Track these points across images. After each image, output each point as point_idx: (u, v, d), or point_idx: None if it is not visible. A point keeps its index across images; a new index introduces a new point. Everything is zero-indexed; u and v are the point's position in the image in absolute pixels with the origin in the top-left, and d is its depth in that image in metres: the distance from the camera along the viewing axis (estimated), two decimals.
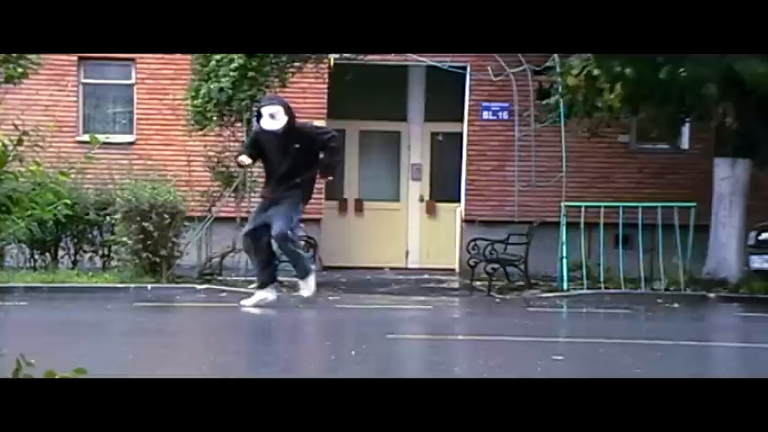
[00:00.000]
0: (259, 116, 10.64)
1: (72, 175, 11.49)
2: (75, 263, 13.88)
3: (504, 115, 16.47)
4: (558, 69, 13.60)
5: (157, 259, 12.42)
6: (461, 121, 16.77)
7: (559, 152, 14.12)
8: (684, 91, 12.70)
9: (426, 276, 15.44)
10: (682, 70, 12.17)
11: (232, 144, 13.45)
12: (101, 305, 10.94)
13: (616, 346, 8.31)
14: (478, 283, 13.63)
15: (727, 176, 14.06)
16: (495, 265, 13.43)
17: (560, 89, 13.73)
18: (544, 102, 14.40)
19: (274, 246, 10.59)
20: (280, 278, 13.24)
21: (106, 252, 13.92)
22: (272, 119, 10.40)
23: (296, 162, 10.36)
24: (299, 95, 16.04)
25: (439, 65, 14.88)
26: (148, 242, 12.36)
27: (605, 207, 13.75)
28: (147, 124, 16.60)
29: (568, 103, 13.65)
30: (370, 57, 14.20)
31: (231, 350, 7.67)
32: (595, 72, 12.74)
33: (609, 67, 12.58)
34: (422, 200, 17.54)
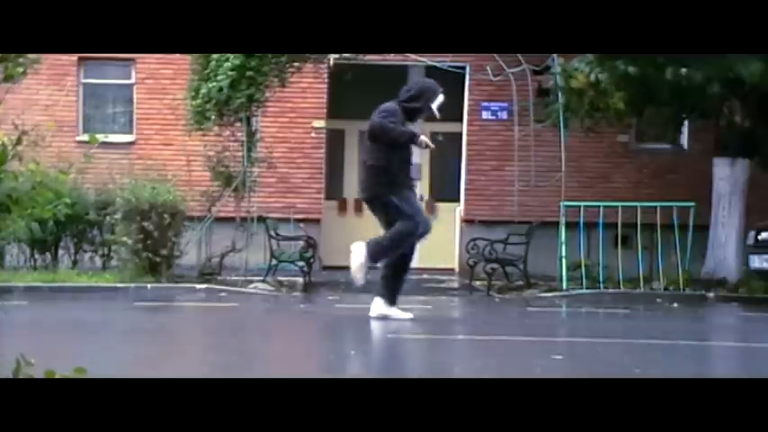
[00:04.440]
0: (431, 99, 9.47)
1: (72, 175, 11.51)
2: (75, 262, 13.89)
3: (504, 115, 16.49)
4: (557, 70, 13.59)
5: (157, 259, 12.43)
6: (461, 120, 16.77)
7: (559, 152, 14.12)
8: (688, 91, 12.71)
9: (426, 276, 15.43)
10: (684, 70, 12.17)
11: (232, 144, 13.46)
12: (101, 305, 10.94)
13: (615, 345, 8.32)
14: (478, 282, 13.65)
15: (727, 176, 14.07)
16: (495, 265, 13.44)
17: (560, 92, 13.69)
18: (548, 108, 14.36)
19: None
20: (279, 278, 13.29)
21: (106, 252, 13.93)
22: (439, 109, 9.57)
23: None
24: (299, 95, 16.08)
25: (438, 65, 14.88)
26: (148, 242, 12.37)
27: (605, 207, 13.77)
28: (147, 124, 16.62)
29: (573, 104, 13.61)
30: (369, 57, 14.20)
31: (231, 350, 7.67)
32: (600, 76, 12.74)
33: (612, 68, 12.57)
34: (421, 200, 17.53)
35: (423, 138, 9.35)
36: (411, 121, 9.59)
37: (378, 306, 9.47)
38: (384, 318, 9.39)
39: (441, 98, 9.52)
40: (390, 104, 9.40)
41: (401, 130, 9.21)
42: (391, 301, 9.54)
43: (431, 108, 9.51)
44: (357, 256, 9.27)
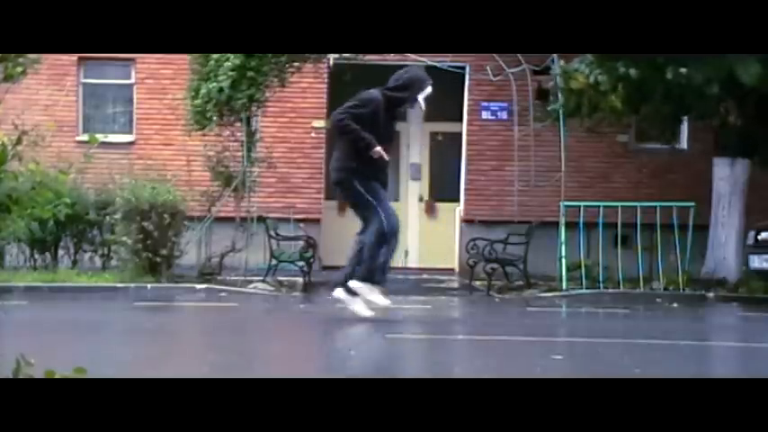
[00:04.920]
0: (420, 89, 9.30)
1: (72, 175, 11.51)
2: (75, 262, 13.89)
3: (504, 115, 16.49)
4: (557, 71, 13.59)
5: (157, 259, 12.44)
6: (461, 120, 16.77)
7: (559, 152, 14.12)
8: (686, 91, 12.71)
9: (426, 276, 15.45)
10: (683, 70, 12.17)
11: (232, 144, 13.46)
12: (101, 305, 10.94)
13: (615, 345, 8.31)
14: (478, 282, 13.65)
15: (726, 176, 14.08)
16: (495, 265, 13.45)
17: (560, 92, 13.68)
18: (549, 108, 14.37)
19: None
20: (279, 278, 13.29)
21: (106, 252, 13.93)
22: (425, 100, 9.41)
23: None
24: (299, 95, 16.08)
25: (438, 65, 14.88)
26: (148, 242, 12.37)
27: (604, 207, 13.77)
28: (147, 124, 16.62)
29: (572, 105, 13.60)
30: (369, 57, 14.20)
31: (231, 350, 7.67)
32: (600, 78, 12.74)
33: (611, 69, 12.58)
34: (421, 200, 17.55)
35: (377, 149, 8.93)
36: (393, 111, 9.34)
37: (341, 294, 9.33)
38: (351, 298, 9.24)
39: (429, 90, 9.35)
40: (373, 92, 9.16)
41: (357, 136, 8.94)
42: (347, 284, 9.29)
43: (417, 100, 9.33)
44: (349, 301, 9.25)
